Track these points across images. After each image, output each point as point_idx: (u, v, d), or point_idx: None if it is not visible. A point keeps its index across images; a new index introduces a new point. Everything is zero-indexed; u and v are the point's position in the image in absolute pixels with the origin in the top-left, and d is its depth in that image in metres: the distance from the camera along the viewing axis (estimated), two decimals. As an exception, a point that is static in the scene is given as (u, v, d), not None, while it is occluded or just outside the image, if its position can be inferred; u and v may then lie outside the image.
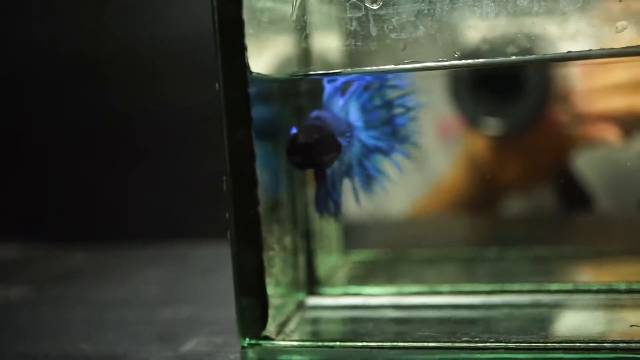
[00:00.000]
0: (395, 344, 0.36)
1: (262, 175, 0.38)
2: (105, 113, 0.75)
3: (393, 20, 0.35)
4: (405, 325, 0.40)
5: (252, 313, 0.37)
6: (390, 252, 0.52)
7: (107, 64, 0.74)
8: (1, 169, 0.78)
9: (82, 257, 0.70)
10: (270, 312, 0.38)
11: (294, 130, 0.38)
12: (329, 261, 0.49)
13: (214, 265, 0.61)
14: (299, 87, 0.44)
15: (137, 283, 0.58)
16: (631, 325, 0.37)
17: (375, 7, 0.35)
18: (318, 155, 0.37)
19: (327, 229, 0.48)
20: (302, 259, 0.45)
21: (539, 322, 0.39)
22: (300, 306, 0.44)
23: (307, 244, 0.45)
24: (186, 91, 0.72)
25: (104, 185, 0.76)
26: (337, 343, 0.37)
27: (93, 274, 0.64)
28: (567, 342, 0.35)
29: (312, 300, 0.45)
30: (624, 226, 0.49)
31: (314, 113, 0.38)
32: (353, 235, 0.50)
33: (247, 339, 0.38)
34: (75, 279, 0.62)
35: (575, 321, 0.40)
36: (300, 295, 0.44)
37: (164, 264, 0.65)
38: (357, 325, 0.41)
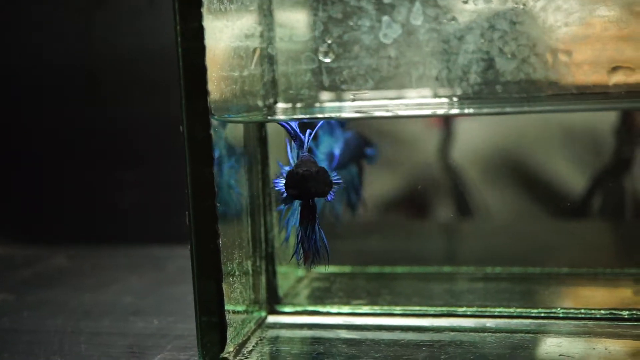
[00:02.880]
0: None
1: (225, 205, 0.41)
2: (97, 118, 0.77)
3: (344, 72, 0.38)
4: (355, 347, 0.43)
5: (212, 335, 0.41)
6: (350, 269, 0.55)
7: (101, 73, 0.77)
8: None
9: (64, 259, 0.73)
10: (230, 332, 0.41)
11: (283, 167, 0.41)
12: (289, 280, 0.52)
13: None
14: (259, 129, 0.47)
15: (115, 289, 0.61)
16: (560, 355, 0.40)
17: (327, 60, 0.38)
18: (316, 187, 0.40)
19: (288, 249, 0.51)
20: (262, 279, 0.48)
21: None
22: (261, 324, 0.47)
23: (267, 264, 0.48)
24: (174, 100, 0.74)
25: (89, 188, 0.79)
26: (289, 367, 0.40)
27: (74, 277, 0.66)
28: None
29: (273, 319, 0.48)
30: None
31: (303, 152, 0.41)
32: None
33: (206, 360, 0.41)
34: (56, 282, 0.65)
35: (514, 347, 0.42)
36: (261, 314, 0.47)
37: (144, 269, 0.68)
38: (312, 347, 0.44)
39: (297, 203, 0.41)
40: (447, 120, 0.53)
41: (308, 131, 0.41)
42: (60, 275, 0.67)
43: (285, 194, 0.41)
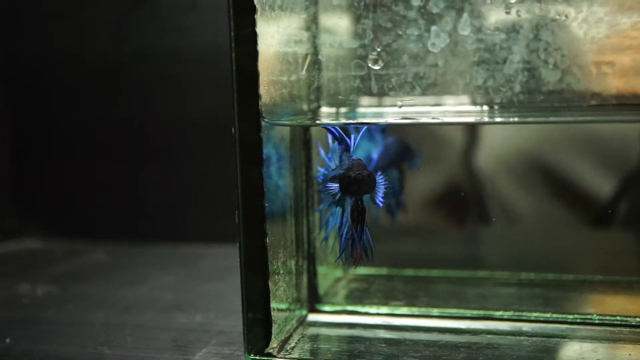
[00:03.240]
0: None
1: (272, 205, 0.42)
2: (129, 118, 0.79)
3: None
4: (395, 347, 0.44)
5: (257, 331, 0.42)
6: (388, 270, 0.56)
7: (126, 71, 0.79)
8: (31, 167, 0.83)
9: (103, 254, 0.75)
10: (274, 329, 0.42)
11: (329, 169, 0.43)
12: (329, 280, 0.53)
13: (227, 267, 0.65)
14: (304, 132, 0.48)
15: (153, 285, 0.63)
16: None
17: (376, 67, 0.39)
18: (367, 189, 0.42)
19: (327, 250, 0.52)
20: (304, 279, 0.49)
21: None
22: (302, 322, 0.48)
23: (308, 264, 0.49)
24: (202, 98, 0.76)
25: (126, 185, 0.81)
26: (330, 363, 0.42)
27: (113, 272, 0.68)
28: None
29: (313, 317, 0.49)
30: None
31: (352, 155, 0.42)
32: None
33: (251, 355, 0.42)
34: (96, 276, 0.66)
35: (549, 350, 0.43)
36: (303, 312, 0.49)
37: (176, 266, 0.69)
38: (351, 345, 0.46)
39: (338, 205, 0.43)
40: (481, 127, 0.54)
41: (353, 135, 0.42)
42: (98, 270, 0.69)
43: (338, 195, 0.42)
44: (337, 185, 0.42)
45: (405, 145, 0.53)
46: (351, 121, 0.45)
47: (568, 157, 0.57)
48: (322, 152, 0.45)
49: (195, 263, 0.71)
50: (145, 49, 0.78)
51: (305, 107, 0.48)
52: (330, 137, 0.43)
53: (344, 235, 0.43)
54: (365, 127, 0.45)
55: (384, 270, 0.57)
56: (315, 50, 0.48)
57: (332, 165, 0.43)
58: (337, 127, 0.42)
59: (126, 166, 0.80)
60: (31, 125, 0.83)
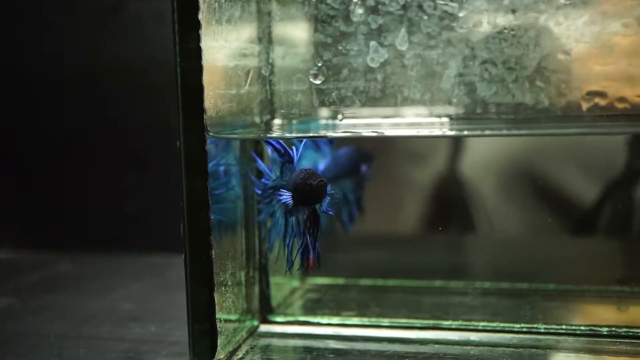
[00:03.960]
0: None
1: (220, 216, 0.43)
2: (102, 124, 0.80)
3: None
4: (341, 357, 0.45)
5: (203, 342, 0.42)
6: (343, 281, 0.57)
7: (106, 78, 0.79)
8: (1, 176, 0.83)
9: (69, 265, 0.75)
10: (221, 340, 0.43)
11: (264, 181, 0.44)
12: (283, 290, 0.53)
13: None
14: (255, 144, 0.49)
15: (117, 295, 0.63)
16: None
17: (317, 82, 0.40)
18: (320, 197, 0.42)
19: (282, 260, 0.52)
20: (255, 289, 0.49)
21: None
22: (253, 333, 0.48)
23: (260, 274, 0.50)
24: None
25: (94, 194, 0.81)
26: (276, 374, 0.42)
27: (78, 282, 0.68)
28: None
29: (265, 328, 0.49)
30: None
31: (295, 166, 0.43)
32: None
33: (198, 366, 0.42)
34: (61, 287, 0.67)
35: None
36: (254, 323, 0.49)
37: (146, 276, 0.70)
38: (300, 356, 0.46)
39: (280, 215, 0.43)
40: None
41: (294, 148, 0.43)
42: (65, 280, 0.70)
43: (290, 204, 0.43)
44: (290, 194, 0.43)
45: (358, 155, 0.53)
46: (293, 135, 0.46)
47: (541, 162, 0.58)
48: (261, 163, 0.45)
49: (165, 273, 0.71)
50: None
51: (257, 119, 0.49)
52: (270, 148, 0.44)
53: (291, 244, 0.43)
54: (305, 140, 0.45)
55: (340, 280, 0.58)
56: (267, 63, 0.48)
57: (273, 176, 0.44)
58: (279, 140, 0.43)
59: (100, 174, 0.80)
60: (2, 135, 0.83)
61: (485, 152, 0.58)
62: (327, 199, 0.43)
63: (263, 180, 0.45)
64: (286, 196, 0.43)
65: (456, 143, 0.56)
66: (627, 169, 0.55)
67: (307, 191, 0.42)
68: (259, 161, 0.45)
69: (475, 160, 0.58)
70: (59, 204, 0.82)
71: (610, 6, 0.42)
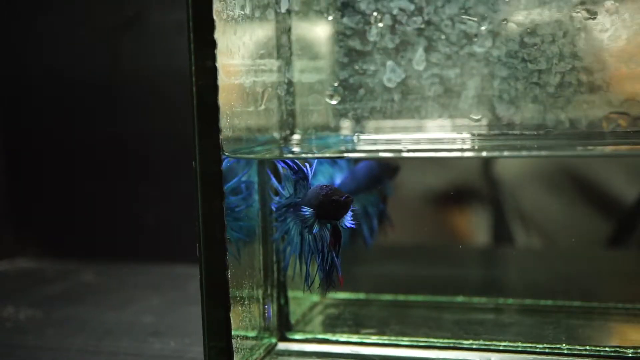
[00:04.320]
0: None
1: (239, 234, 0.43)
2: (125, 136, 0.80)
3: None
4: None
5: (219, 359, 0.42)
6: (364, 296, 0.56)
7: (120, 90, 0.80)
8: (25, 186, 0.84)
9: (92, 276, 0.75)
10: (237, 358, 0.43)
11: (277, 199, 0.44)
12: (302, 305, 0.53)
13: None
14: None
15: (138, 308, 0.63)
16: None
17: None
18: (345, 212, 0.42)
19: (298, 278, 0.52)
20: (274, 307, 0.49)
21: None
22: (270, 351, 0.48)
23: (278, 291, 0.49)
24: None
25: (122, 204, 0.81)
26: (292, 395, 0.42)
27: (100, 294, 0.69)
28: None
29: (283, 346, 0.49)
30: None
31: (311, 183, 0.43)
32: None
33: (214, 386, 0.42)
34: (83, 299, 0.67)
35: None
36: (272, 340, 0.49)
37: (166, 288, 0.70)
38: (318, 375, 0.46)
39: (295, 233, 0.43)
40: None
41: (307, 165, 0.43)
42: (87, 291, 0.70)
43: (311, 221, 0.42)
44: (312, 211, 0.42)
45: (380, 169, 0.52)
46: (304, 155, 0.45)
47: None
48: (275, 181, 0.45)
49: (185, 285, 0.71)
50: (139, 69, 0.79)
51: (276, 135, 0.49)
52: (281, 165, 0.44)
53: (309, 261, 0.43)
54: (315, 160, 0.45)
55: (361, 295, 0.57)
56: (285, 79, 0.48)
57: (286, 193, 0.44)
58: (294, 160, 0.43)
59: (122, 185, 0.81)
60: (24, 145, 0.84)
61: (512, 164, 0.57)
62: (350, 214, 0.43)
63: (277, 198, 0.44)
64: (308, 213, 0.42)
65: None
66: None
67: (334, 207, 0.41)
68: (273, 179, 0.45)
69: (500, 172, 0.57)
70: (83, 213, 0.82)
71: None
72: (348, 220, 0.43)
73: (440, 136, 0.47)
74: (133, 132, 0.79)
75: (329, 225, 0.42)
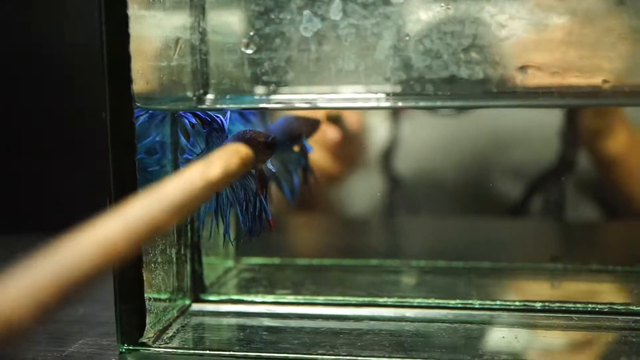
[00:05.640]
0: (258, 354, 0.40)
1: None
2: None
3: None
4: (275, 334, 0.44)
5: (131, 321, 0.41)
6: (278, 260, 0.56)
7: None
8: None
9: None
10: (150, 319, 0.42)
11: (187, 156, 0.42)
12: (217, 270, 0.52)
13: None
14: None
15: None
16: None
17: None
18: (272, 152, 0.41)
19: (216, 238, 0.51)
20: (187, 268, 0.48)
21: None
22: (184, 312, 0.47)
23: (192, 253, 0.48)
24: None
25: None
26: (206, 352, 0.41)
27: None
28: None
29: (197, 307, 0.48)
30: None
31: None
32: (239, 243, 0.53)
33: (125, 345, 0.41)
34: None
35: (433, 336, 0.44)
36: (185, 302, 0.48)
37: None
38: (233, 333, 0.45)
39: None
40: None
41: (220, 116, 0.42)
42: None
43: None
44: None
45: (300, 124, 0.51)
46: (225, 106, 0.44)
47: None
48: (183, 139, 0.44)
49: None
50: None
51: (189, 93, 0.48)
52: (190, 121, 0.42)
53: (228, 214, 0.42)
54: (228, 110, 0.44)
55: (276, 260, 0.57)
56: (197, 36, 0.47)
57: (197, 150, 0.43)
58: (206, 111, 0.42)
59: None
60: None
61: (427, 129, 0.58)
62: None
63: (185, 155, 0.43)
64: None
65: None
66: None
67: (261, 149, 0.39)
68: (181, 137, 0.44)
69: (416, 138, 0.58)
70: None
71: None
72: (270, 164, 0.42)
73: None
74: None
75: (253, 171, 0.41)
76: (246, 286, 0.52)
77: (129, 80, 0.39)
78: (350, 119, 0.61)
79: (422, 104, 0.41)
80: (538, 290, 0.52)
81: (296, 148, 0.49)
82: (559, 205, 0.61)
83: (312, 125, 0.50)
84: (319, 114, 0.51)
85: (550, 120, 0.59)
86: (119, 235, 0.25)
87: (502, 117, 0.59)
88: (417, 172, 0.60)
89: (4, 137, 0.77)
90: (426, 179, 0.60)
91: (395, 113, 0.61)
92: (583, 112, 0.59)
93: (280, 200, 0.50)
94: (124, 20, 0.38)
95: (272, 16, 0.40)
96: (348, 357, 0.40)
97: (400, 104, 0.41)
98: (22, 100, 0.77)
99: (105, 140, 0.40)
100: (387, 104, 0.41)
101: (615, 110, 0.59)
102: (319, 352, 0.40)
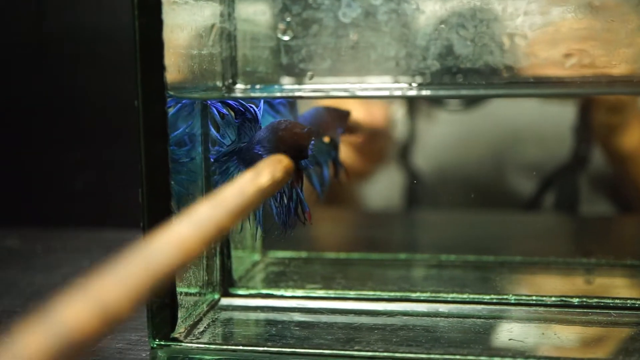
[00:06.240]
0: (293, 350, 0.39)
1: (180, 185, 0.41)
2: (52, 97, 0.76)
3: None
4: (307, 330, 0.43)
5: (163, 316, 0.40)
6: (306, 254, 0.55)
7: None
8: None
9: (17, 240, 0.71)
10: (181, 313, 0.41)
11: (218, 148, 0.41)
12: (244, 263, 0.51)
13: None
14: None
15: (66, 271, 0.60)
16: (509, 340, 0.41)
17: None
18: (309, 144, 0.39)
19: (245, 232, 0.50)
20: (217, 262, 0.47)
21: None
22: (214, 307, 0.46)
23: (222, 247, 0.47)
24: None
25: (43, 169, 0.77)
26: (240, 347, 0.40)
27: (26, 258, 0.65)
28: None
29: (226, 301, 0.47)
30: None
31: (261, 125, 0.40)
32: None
33: (156, 340, 0.40)
34: (7, 263, 0.63)
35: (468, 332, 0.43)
36: (215, 296, 0.47)
37: (96, 252, 0.67)
38: (264, 328, 0.44)
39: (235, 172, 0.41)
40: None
41: (253, 106, 0.40)
42: (11, 256, 0.66)
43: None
44: (269, 148, 0.39)
45: (330, 116, 0.49)
46: (258, 95, 0.43)
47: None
48: (213, 130, 0.42)
49: (117, 248, 0.68)
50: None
51: (219, 83, 0.47)
52: (221, 111, 0.41)
53: (277, 200, 0.41)
54: (262, 100, 0.42)
55: (303, 254, 0.56)
56: (229, 23, 0.46)
57: (227, 141, 0.41)
58: (239, 100, 0.40)
59: (51, 148, 0.77)
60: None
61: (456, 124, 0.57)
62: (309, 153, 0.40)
63: (217, 147, 0.42)
64: (263, 152, 0.39)
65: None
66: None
67: (296, 141, 0.38)
68: (211, 129, 0.42)
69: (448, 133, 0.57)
70: (9, 178, 0.78)
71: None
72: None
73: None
74: (63, 91, 0.76)
75: None
76: (275, 280, 0.51)
77: (162, 69, 0.38)
78: (377, 114, 0.60)
79: (463, 92, 0.40)
80: (573, 285, 0.51)
81: (326, 139, 0.48)
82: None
83: (342, 117, 0.49)
84: (350, 105, 0.50)
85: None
86: (192, 238, 0.26)
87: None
88: (444, 167, 0.59)
89: (35, 127, 0.77)
90: (454, 174, 0.59)
91: (423, 106, 0.60)
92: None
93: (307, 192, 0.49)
94: (158, 7, 0.37)
95: (310, 1, 0.39)
96: (385, 354, 0.39)
97: (441, 92, 0.40)
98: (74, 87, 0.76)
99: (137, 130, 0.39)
100: (428, 93, 0.40)
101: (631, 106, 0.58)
102: (355, 348, 0.39)
